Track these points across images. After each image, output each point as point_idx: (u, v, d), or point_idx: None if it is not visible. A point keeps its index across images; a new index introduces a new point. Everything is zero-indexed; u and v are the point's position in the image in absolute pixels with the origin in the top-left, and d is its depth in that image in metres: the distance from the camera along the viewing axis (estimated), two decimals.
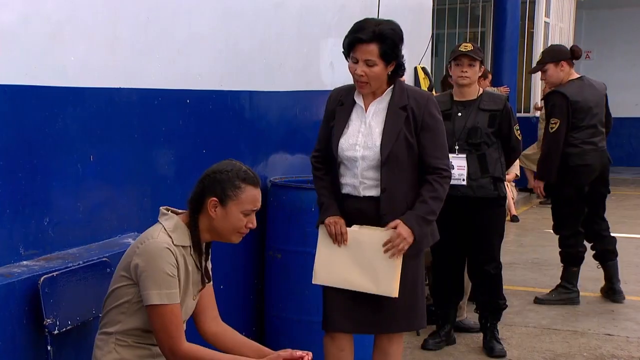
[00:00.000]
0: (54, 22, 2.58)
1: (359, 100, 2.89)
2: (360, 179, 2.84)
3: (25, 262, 2.48)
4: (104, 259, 2.63)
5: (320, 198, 2.95)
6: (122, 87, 2.91)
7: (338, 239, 2.84)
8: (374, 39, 2.72)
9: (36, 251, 2.55)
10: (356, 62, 2.77)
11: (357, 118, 2.88)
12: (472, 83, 3.96)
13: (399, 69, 2.84)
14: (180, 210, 2.35)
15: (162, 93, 3.13)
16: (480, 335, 4.21)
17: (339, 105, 2.91)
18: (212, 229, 2.30)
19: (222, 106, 3.55)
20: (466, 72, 3.91)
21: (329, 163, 2.94)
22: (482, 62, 3.96)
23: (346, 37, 2.80)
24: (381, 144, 2.80)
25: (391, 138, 2.79)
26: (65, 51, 2.64)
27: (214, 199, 2.26)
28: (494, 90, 7.11)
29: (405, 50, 6.10)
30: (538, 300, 5.12)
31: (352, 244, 2.84)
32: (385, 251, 2.79)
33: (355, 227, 2.84)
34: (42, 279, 2.35)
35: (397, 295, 2.79)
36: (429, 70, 6.31)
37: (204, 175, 2.31)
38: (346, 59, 2.84)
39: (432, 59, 6.85)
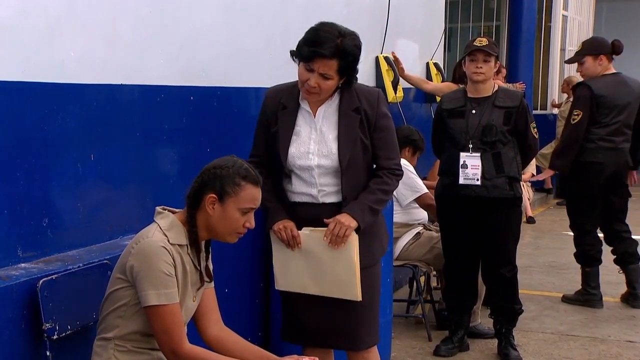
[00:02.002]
0: (52, 16, 2.59)
1: (304, 104, 2.82)
2: (319, 187, 2.81)
3: (23, 265, 2.50)
4: (105, 261, 2.63)
5: (264, 202, 2.91)
6: (123, 83, 2.91)
7: (291, 243, 2.82)
8: (336, 54, 2.64)
9: (35, 253, 2.56)
10: (310, 71, 2.67)
11: (306, 123, 2.82)
12: (487, 79, 3.95)
13: (350, 80, 2.77)
14: (177, 210, 2.36)
15: (165, 90, 3.14)
16: (495, 341, 4.20)
17: (281, 109, 2.83)
18: (209, 227, 2.32)
19: (227, 103, 3.56)
20: (481, 67, 3.90)
21: (267, 167, 2.90)
22: (497, 58, 3.95)
23: (304, 44, 2.67)
24: (339, 151, 2.76)
25: (348, 144, 2.77)
26: (64, 46, 2.65)
27: (213, 195, 2.28)
28: (509, 86, 7.09)
29: (417, 45, 6.07)
30: (564, 299, 5.20)
31: (305, 247, 2.83)
32: (330, 243, 2.75)
33: (306, 231, 2.82)
34: (40, 282, 2.36)
35: (360, 299, 2.79)
36: (442, 66, 6.30)
37: (204, 170, 2.32)
38: (291, 58, 2.74)
39: (444, 54, 6.84)
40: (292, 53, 2.74)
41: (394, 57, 5.25)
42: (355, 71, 2.76)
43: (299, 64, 2.73)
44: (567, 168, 4.99)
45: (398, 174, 2.88)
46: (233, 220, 2.30)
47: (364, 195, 2.80)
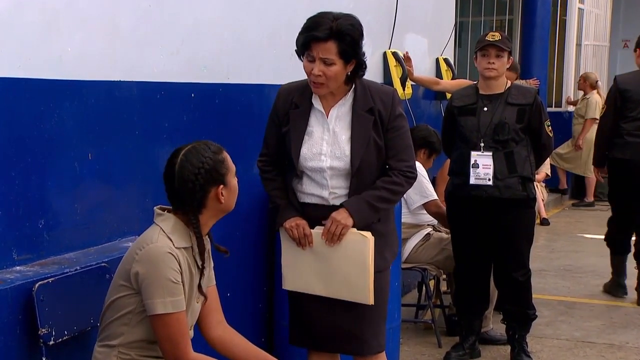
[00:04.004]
0: (49, 9, 2.60)
1: (317, 103, 2.84)
2: (331, 189, 2.82)
3: (18, 268, 2.50)
4: (103, 264, 2.64)
5: (274, 200, 2.92)
6: (122, 80, 2.92)
7: (302, 242, 2.83)
8: (332, 36, 2.66)
9: (30, 256, 2.57)
10: (312, 60, 2.70)
11: (318, 124, 2.83)
12: (500, 75, 3.95)
13: (360, 68, 2.78)
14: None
15: (165, 86, 3.14)
16: (508, 347, 4.20)
17: (293, 108, 2.85)
18: (218, 213, 2.38)
19: (229, 100, 3.56)
20: (493, 63, 3.90)
21: (278, 165, 2.93)
22: (510, 53, 3.95)
23: (300, 34, 2.73)
24: (351, 153, 2.78)
25: (361, 146, 2.77)
26: (62, 41, 2.65)
27: (220, 186, 2.32)
28: (523, 83, 7.08)
29: (426, 40, 6.06)
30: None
31: (316, 247, 2.83)
32: (327, 242, 2.77)
33: (318, 230, 2.82)
34: (36, 285, 2.36)
35: (372, 303, 2.80)
36: (452, 62, 6.29)
37: (190, 177, 2.29)
38: (299, 57, 2.77)
39: (455, 50, 6.82)
40: (296, 51, 2.77)
41: (406, 57, 5.23)
42: (360, 54, 2.75)
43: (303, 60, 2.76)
44: (599, 161, 5.30)
45: (410, 176, 2.86)
46: (236, 189, 2.40)
47: (366, 191, 2.80)
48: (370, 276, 2.77)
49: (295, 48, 2.78)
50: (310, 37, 2.68)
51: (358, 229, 2.78)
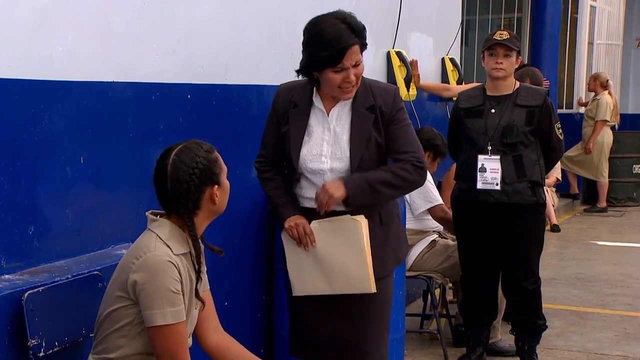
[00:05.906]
0: (40, 7, 2.60)
1: (318, 102, 2.84)
2: None
3: (7, 276, 2.50)
4: (95, 272, 2.64)
5: (273, 200, 2.91)
6: (115, 80, 2.92)
7: (304, 241, 2.81)
8: (357, 37, 2.69)
9: (20, 264, 2.57)
10: (340, 70, 2.69)
11: (319, 123, 2.83)
12: (508, 76, 3.95)
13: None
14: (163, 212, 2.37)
15: (160, 87, 3.14)
16: (517, 359, 4.19)
17: (292, 107, 2.85)
18: (211, 214, 2.37)
19: (227, 101, 3.56)
20: (501, 63, 3.90)
21: (276, 166, 2.94)
22: (519, 53, 3.95)
23: (323, 50, 2.66)
24: (350, 152, 2.78)
25: (360, 145, 2.78)
26: (52, 40, 2.65)
27: (214, 186, 2.32)
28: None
29: (431, 39, 6.06)
30: None
31: (317, 243, 2.82)
32: (317, 207, 2.76)
33: (315, 224, 2.81)
34: (26, 294, 2.36)
35: (375, 290, 2.78)
36: (458, 62, 6.30)
37: (185, 178, 2.27)
38: (307, 75, 2.77)
39: (461, 49, 6.83)
40: (305, 68, 2.76)
41: (412, 63, 5.22)
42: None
43: (322, 73, 2.72)
44: None
45: (418, 165, 2.81)
46: (228, 189, 2.40)
47: (370, 171, 2.78)
48: (367, 261, 2.75)
49: (297, 70, 2.77)
50: (345, 47, 2.65)
51: (351, 207, 2.76)
